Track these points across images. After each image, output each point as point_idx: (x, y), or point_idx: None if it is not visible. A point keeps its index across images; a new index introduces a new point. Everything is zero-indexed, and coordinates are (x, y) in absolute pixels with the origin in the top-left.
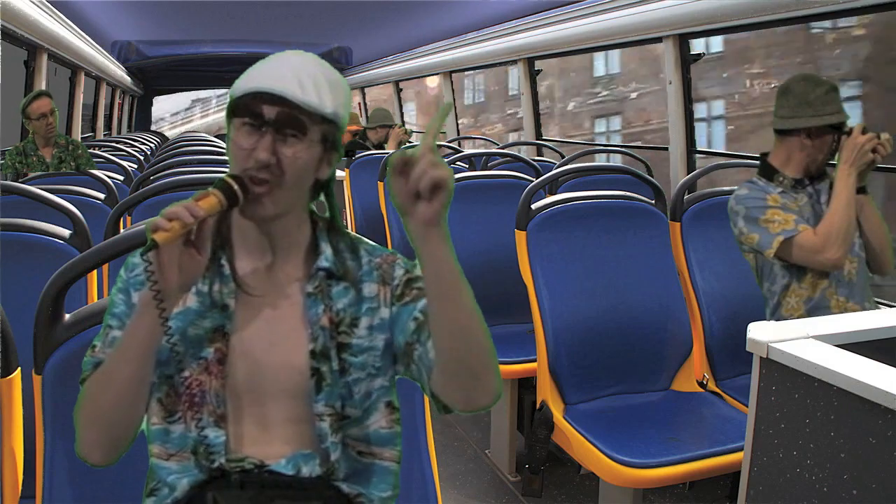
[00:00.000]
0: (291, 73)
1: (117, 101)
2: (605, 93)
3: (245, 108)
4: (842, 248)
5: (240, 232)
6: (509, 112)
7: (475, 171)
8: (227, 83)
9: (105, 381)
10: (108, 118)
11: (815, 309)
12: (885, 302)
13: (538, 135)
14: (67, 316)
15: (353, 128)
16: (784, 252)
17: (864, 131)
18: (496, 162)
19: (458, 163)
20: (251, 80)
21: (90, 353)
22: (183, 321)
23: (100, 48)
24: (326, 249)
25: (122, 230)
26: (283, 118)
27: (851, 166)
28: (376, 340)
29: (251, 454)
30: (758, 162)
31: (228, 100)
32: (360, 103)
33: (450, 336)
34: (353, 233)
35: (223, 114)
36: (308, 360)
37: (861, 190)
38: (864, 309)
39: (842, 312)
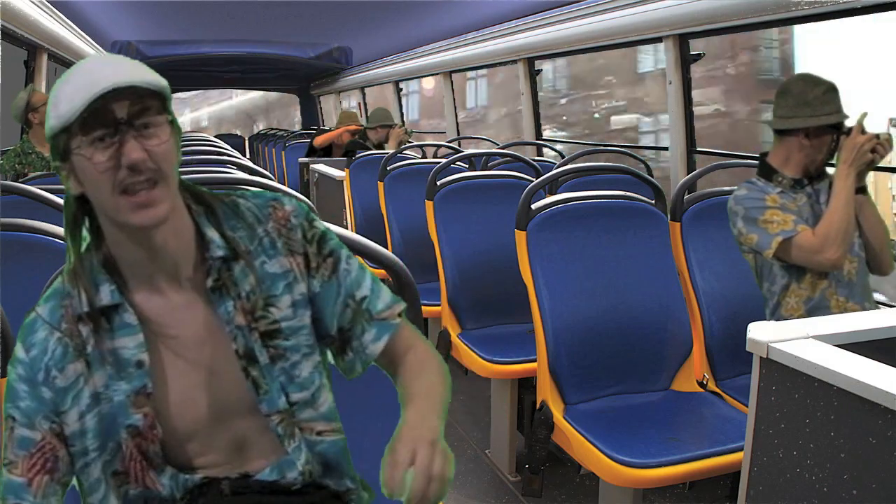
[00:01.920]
0: (106, 68)
1: None
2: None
3: (89, 123)
4: (841, 249)
5: (126, 261)
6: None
7: (475, 171)
8: (228, 83)
9: None
10: None
11: (815, 309)
12: (885, 302)
13: (538, 135)
14: None
15: (353, 127)
16: (783, 252)
17: (863, 131)
18: (496, 162)
19: (458, 163)
20: (75, 97)
21: (5, 469)
22: (89, 406)
23: (100, 48)
24: (214, 235)
25: None
26: (135, 111)
27: (850, 166)
28: (304, 318)
29: (233, 470)
30: (755, 162)
31: (55, 134)
32: (360, 103)
33: None
34: (224, 193)
35: (202, 112)
36: (238, 362)
37: (860, 190)
38: (864, 309)
39: (842, 312)
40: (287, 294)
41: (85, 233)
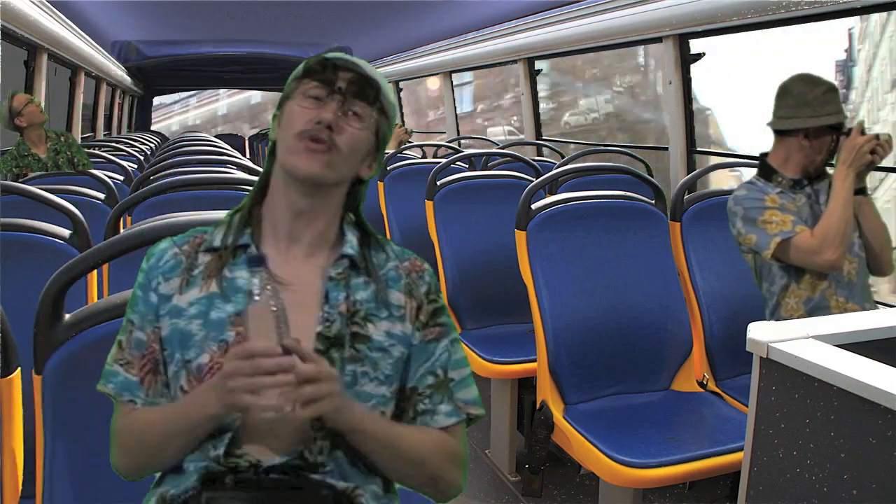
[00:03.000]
0: (361, 61)
1: (117, 101)
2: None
3: (318, 73)
4: (839, 250)
5: (271, 221)
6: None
7: (475, 171)
8: (227, 83)
9: (158, 448)
10: (108, 118)
11: (815, 310)
12: (885, 302)
13: (538, 135)
14: (67, 316)
15: None
16: (781, 253)
17: (863, 132)
18: (496, 162)
19: (458, 163)
20: (322, 58)
21: (115, 357)
22: (206, 305)
23: (100, 48)
24: (352, 239)
25: (122, 230)
26: (352, 88)
27: (850, 167)
28: (394, 349)
29: (253, 451)
30: (754, 162)
31: (289, 81)
32: None
33: (397, 476)
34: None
35: (201, 110)
36: (314, 343)
37: (860, 191)
38: (863, 309)
39: (841, 313)
40: (387, 321)
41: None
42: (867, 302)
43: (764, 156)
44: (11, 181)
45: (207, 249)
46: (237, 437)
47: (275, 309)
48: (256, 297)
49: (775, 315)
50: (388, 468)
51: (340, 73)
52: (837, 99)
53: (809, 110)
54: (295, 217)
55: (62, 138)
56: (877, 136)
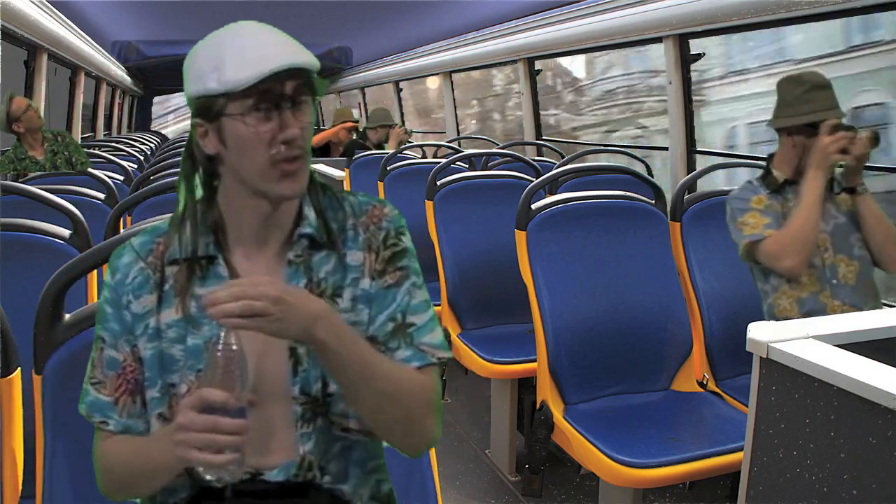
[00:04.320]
0: (271, 42)
1: (117, 101)
2: None
3: (257, 93)
4: (797, 257)
5: (235, 226)
6: None
7: (475, 171)
8: None
9: (132, 482)
10: (108, 118)
11: (809, 312)
12: (885, 302)
13: (538, 135)
14: (67, 316)
15: (349, 124)
16: (751, 256)
17: (833, 130)
18: (496, 162)
19: (458, 163)
20: (243, 68)
21: (89, 380)
22: (184, 328)
23: (100, 48)
24: (310, 214)
25: (122, 230)
26: (298, 89)
27: (817, 169)
28: (361, 314)
29: (250, 464)
30: (756, 162)
31: (208, 95)
32: (360, 103)
33: (370, 410)
34: (338, 188)
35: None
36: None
37: (849, 190)
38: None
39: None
40: (351, 287)
41: (198, 185)
42: (868, 304)
43: (771, 156)
44: (12, 180)
45: (172, 262)
46: None
47: (235, 349)
48: (220, 344)
49: (770, 315)
50: (360, 400)
51: (287, 83)
52: (820, 97)
53: (790, 109)
54: (263, 222)
55: (59, 138)
56: (850, 134)
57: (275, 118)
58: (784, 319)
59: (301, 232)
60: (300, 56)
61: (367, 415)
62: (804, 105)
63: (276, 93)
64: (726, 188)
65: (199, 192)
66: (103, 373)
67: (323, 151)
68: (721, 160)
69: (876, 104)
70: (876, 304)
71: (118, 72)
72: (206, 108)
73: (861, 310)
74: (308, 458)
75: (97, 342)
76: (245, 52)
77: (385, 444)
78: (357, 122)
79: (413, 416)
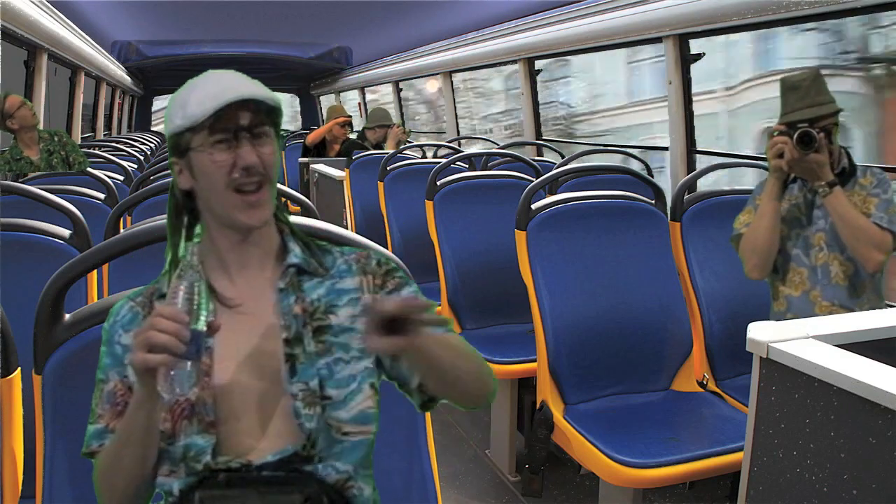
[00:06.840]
0: (233, 82)
1: (117, 101)
2: None
3: (215, 126)
4: (752, 261)
5: (215, 254)
6: None
7: (475, 171)
8: None
9: (115, 465)
10: (108, 118)
11: (799, 311)
12: (889, 303)
13: (538, 135)
14: (67, 316)
15: (342, 119)
16: (736, 247)
17: (773, 135)
18: (496, 162)
19: (458, 163)
20: (205, 102)
21: (93, 419)
22: None
23: (100, 48)
24: (295, 248)
25: (122, 230)
26: (255, 120)
27: (770, 174)
28: (357, 324)
29: (244, 452)
30: (756, 162)
31: (179, 132)
32: (360, 103)
33: (456, 377)
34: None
35: None
36: (283, 348)
37: (813, 191)
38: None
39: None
40: (348, 307)
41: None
42: (863, 306)
43: None
44: (11, 180)
45: (160, 297)
46: (222, 442)
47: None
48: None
49: (770, 310)
50: (450, 370)
51: (240, 113)
52: (792, 98)
53: (781, 111)
54: (239, 246)
55: (55, 137)
56: (784, 138)
57: (234, 148)
58: (778, 316)
59: (288, 262)
60: (259, 90)
61: (452, 382)
62: (784, 107)
63: (234, 123)
64: (726, 188)
65: (182, 251)
66: (102, 408)
67: (319, 150)
68: (721, 160)
69: None
70: (875, 305)
71: (118, 72)
72: (176, 145)
73: (852, 310)
74: (303, 447)
75: (98, 385)
76: (207, 89)
77: (385, 443)
78: (350, 117)
79: (483, 368)
